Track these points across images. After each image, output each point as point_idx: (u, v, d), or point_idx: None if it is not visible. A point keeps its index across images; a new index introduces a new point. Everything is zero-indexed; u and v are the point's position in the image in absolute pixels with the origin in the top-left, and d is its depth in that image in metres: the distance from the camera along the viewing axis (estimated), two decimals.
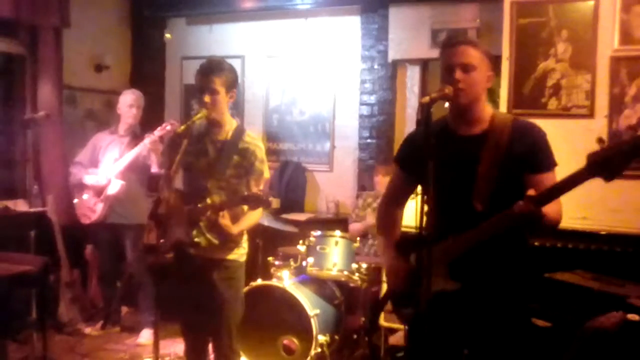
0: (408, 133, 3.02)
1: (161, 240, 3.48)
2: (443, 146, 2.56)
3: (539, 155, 2.59)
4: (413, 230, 2.46)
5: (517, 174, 2.57)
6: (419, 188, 2.85)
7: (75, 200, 5.46)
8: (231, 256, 3.60)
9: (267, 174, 3.64)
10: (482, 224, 2.50)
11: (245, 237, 3.70)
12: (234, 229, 3.48)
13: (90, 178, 5.35)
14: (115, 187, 5.28)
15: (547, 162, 2.60)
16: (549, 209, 2.37)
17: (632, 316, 3.31)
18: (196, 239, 3.51)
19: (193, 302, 3.64)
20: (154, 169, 5.28)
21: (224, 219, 3.40)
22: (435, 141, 2.35)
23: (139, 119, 5.53)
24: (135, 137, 5.38)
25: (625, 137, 2.18)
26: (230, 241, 3.57)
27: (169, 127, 5.12)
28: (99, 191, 5.32)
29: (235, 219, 3.51)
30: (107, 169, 5.34)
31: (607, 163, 2.17)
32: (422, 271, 2.45)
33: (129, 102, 5.45)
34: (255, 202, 3.34)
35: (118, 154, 5.35)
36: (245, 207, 3.55)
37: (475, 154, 2.61)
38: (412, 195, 3.90)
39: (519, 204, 2.35)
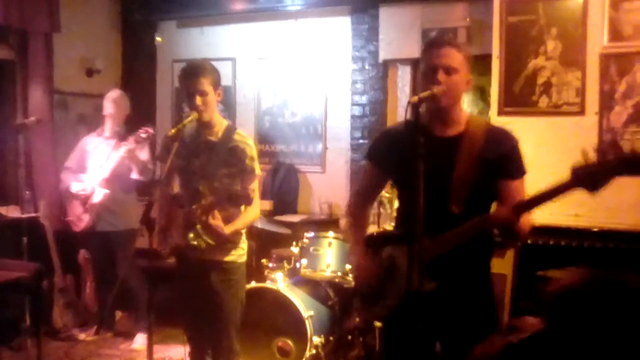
0: (381, 130, 3.06)
1: (161, 248, 3.51)
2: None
3: (511, 162, 2.66)
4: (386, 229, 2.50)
5: (491, 179, 2.63)
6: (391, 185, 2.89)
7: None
8: (228, 258, 3.60)
9: (258, 171, 3.64)
10: (460, 226, 2.55)
11: (243, 238, 3.70)
12: (227, 230, 3.47)
13: (76, 186, 5.32)
14: (98, 195, 5.26)
15: (518, 169, 2.67)
16: (523, 220, 2.45)
17: (513, 337, 3.30)
18: (194, 242, 3.50)
19: (193, 304, 3.66)
20: (134, 175, 5.25)
21: (216, 220, 3.39)
22: (411, 141, 2.37)
23: (123, 119, 5.47)
24: (121, 138, 5.30)
25: (610, 156, 2.27)
26: (227, 242, 3.57)
27: (144, 135, 5.07)
28: (84, 200, 5.30)
29: (229, 220, 3.51)
30: (93, 175, 5.32)
31: (591, 177, 2.25)
32: (398, 270, 2.51)
33: (110, 103, 5.41)
34: (235, 199, 3.35)
35: (104, 158, 5.30)
36: (243, 207, 3.55)
37: (450, 157, 2.65)
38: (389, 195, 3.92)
39: (499, 211, 2.40)
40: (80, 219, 5.33)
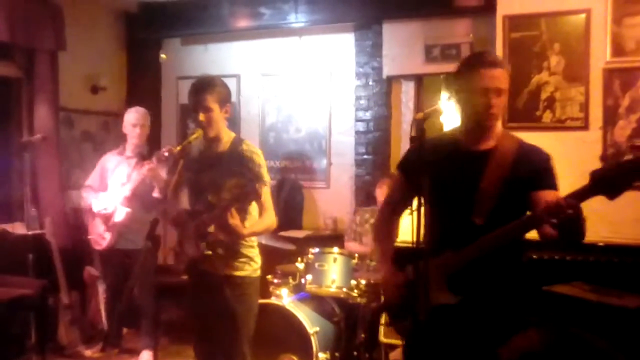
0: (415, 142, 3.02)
1: (176, 264, 3.53)
2: (451, 160, 2.58)
3: (545, 175, 2.60)
4: (410, 244, 2.46)
5: (519, 194, 2.58)
6: (415, 202, 2.87)
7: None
8: (241, 273, 3.59)
9: (267, 178, 3.63)
10: (500, 229, 2.48)
11: (257, 252, 3.70)
12: (245, 230, 3.48)
13: (97, 205, 5.30)
14: (121, 214, 5.23)
15: (550, 182, 2.61)
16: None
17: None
18: (208, 252, 3.50)
19: (206, 319, 3.66)
20: (155, 193, 5.23)
21: (234, 219, 3.38)
22: (443, 155, 2.36)
23: (145, 138, 5.43)
24: (143, 157, 5.25)
25: (627, 156, 2.20)
26: (240, 256, 3.58)
27: (167, 154, 5.05)
28: (106, 218, 5.29)
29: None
30: (114, 194, 5.29)
31: (609, 181, 2.19)
32: (419, 284, 2.46)
33: (132, 121, 5.34)
34: (243, 196, 3.34)
35: (125, 177, 5.27)
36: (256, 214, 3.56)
37: (478, 170, 2.62)
38: (408, 211, 3.89)
39: (568, 198, 2.29)
40: (103, 238, 5.31)
